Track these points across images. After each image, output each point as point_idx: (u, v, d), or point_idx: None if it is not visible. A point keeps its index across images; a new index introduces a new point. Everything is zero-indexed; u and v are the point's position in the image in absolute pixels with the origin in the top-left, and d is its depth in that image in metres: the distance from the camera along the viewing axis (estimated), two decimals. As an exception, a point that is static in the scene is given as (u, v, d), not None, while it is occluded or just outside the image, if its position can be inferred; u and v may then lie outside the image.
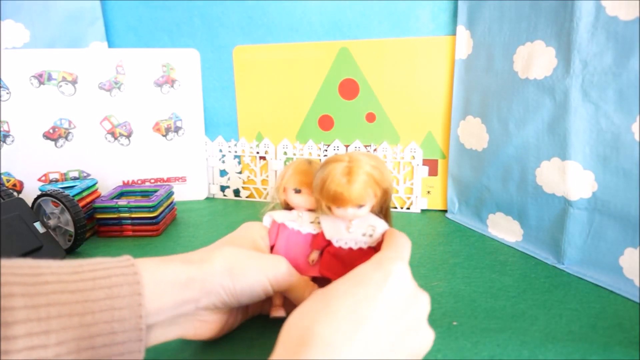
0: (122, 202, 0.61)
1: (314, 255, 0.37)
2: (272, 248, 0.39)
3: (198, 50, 0.76)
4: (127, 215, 0.61)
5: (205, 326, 0.34)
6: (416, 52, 0.68)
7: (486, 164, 0.60)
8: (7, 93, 0.67)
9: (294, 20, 0.72)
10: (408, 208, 0.71)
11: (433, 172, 0.71)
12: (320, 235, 0.36)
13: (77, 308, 0.26)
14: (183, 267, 0.31)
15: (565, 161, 0.48)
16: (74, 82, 0.71)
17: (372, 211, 0.35)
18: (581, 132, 0.47)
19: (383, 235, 0.34)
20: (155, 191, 0.67)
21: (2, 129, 0.67)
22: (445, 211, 0.70)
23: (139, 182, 0.75)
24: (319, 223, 0.37)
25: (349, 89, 0.72)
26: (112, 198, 0.63)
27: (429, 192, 0.71)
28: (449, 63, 0.66)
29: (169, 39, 0.77)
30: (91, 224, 0.61)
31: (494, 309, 0.41)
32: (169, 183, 0.77)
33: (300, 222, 0.38)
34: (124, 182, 0.75)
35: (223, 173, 0.80)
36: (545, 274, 0.48)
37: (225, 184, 0.80)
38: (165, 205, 0.65)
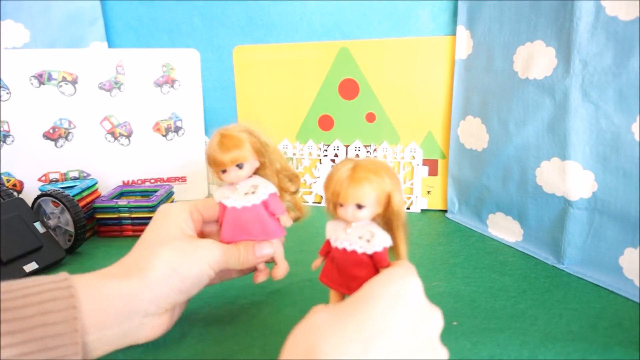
0: (122, 202, 0.61)
1: (317, 261, 0.37)
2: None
3: (198, 50, 0.76)
4: (127, 215, 0.61)
5: (155, 330, 0.33)
6: (416, 52, 0.68)
7: (486, 164, 0.60)
8: (7, 93, 0.67)
9: (294, 20, 0.72)
10: (408, 208, 0.71)
11: (433, 172, 0.71)
12: (327, 242, 0.36)
13: (12, 326, 0.26)
14: (125, 281, 0.31)
15: (565, 161, 0.48)
16: (74, 82, 0.71)
17: (379, 224, 0.34)
18: (581, 132, 0.47)
19: (383, 254, 0.32)
20: (155, 191, 0.67)
21: (2, 129, 0.67)
22: (445, 211, 0.70)
23: (139, 182, 0.75)
24: (253, 193, 0.37)
25: (349, 89, 0.72)
26: (112, 198, 0.63)
27: (429, 192, 0.71)
28: (449, 63, 0.66)
29: (169, 39, 0.77)
30: (91, 224, 0.61)
31: (494, 309, 0.41)
32: (169, 183, 0.77)
33: (235, 196, 0.37)
34: (124, 182, 0.75)
35: (223, 173, 0.80)
36: (545, 274, 0.48)
37: (225, 184, 0.80)
38: (165, 205, 0.65)
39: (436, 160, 0.71)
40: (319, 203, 0.75)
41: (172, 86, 0.75)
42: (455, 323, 0.39)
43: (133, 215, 0.61)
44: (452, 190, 0.68)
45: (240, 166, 0.36)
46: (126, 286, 0.30)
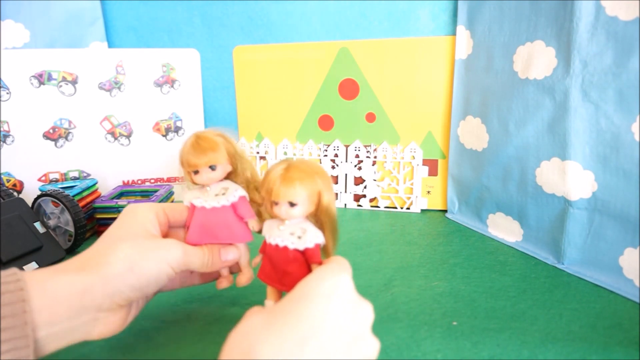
0: (122, 202, 0.61)
1: (257, 259, 0.37)
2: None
3: (198, 50, 0.76)
4: (127, 215, 0.61)
5: (109, 326, 0.33)
6: (416, 52, 0.68)
7: (486, 164, 0.60)
8: (7, 93, 0.67)
9: (294, 20, 0.72)
10: (408, 208, 0.71)
11: (433, 172, 0.71)
12: (264, 240, 0.36)
13: None
14: (78, 275, 0.30)
15: (565, 161, 0.48)
16: (74, 82, 0.71)
17: (313, 222, 0.35)
18: (581, 132, 0.47)
19: (319, 250, 0.33)
20: (155, 191, 0.67)
21: (2, 129, 0.67)
22: (445, 211, 0.70)
23: (139, 182, 0.75)
24: (223, 194, 0.37)
25: (349, 89, 0.72)
26: (112, 198, 0.63)
27: (429, 192, 0.71)
28: (449, 63, 0.66)
29: (169, 39, 0.77)
30: (91, 224, 0.61)
31: (494, 309, 0.41)
32: (169, 183, 0.77)
33: (206, 197, 0.37)
34: (124, 182, 0.75)
35: (223, 173, 0.80)
36: (545, 274, 0.48)
37: (225, 184, 0.80)
38: (165, 205, 0.65)
39: (436, 160, 0.71)
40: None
41: (172, 86, 0.75)
42: (455, 323, 0.39)
43: (133, 215, 0.61)
44: (452, 190, 0.68)
45: (212, 168, 0.36)
46: (79, 281, 0.30)
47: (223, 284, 0.40)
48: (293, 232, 0.33)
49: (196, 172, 0.37)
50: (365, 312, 0.29)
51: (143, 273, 0.33)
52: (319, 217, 0.33)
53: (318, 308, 0.27)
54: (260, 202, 0.38)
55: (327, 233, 0.34)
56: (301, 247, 0.33)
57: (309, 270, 0.34)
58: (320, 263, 0.33)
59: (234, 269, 0.40)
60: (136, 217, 0.36)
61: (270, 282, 0.35)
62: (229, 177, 0.39)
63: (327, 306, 0.27)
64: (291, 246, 0.33)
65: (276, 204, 0.33)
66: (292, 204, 0.32)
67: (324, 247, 0.34)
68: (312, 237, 0.33)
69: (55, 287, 0.29)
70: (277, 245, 0.34)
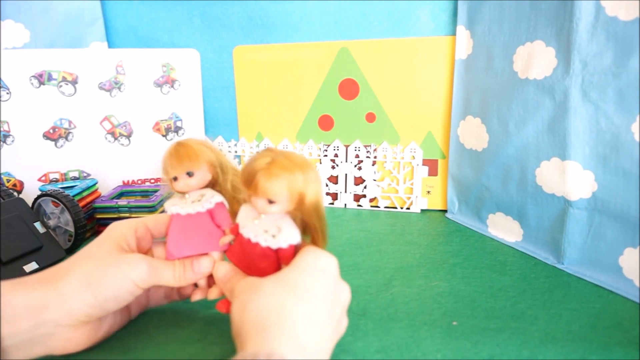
0: (122, 202, 0.61)
1: (226, 239, 0.36)
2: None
3: (198, 50, 0.76)
4: (127, 215, 0.61)
5: (71, 342, 0.33)
6: (416, 52, 0.68)
7: (486, 164, 0.60)
8: (7, 93, 0.67)
9: (294, 20, 0.72)
10: (408, 208, 0.71)
11: (433, 172, 0.71)
12: (232, 220, 0.36)
13: None
14: (37, 289, 0.31)
15: (565, 161, 0.48)
16: (74, 82, 0.70)
17: (296, 219, 0.33)
18: (581, 132, 0.47)
19: (293, 250, 0.33)
20: (155, 191, 0.67)
21: (2, 129, 0.67)
22: (445, 211, 0.70)
23: (139, 182, 0.75)
24: (199, 201, 0.36)
25: (349, 89, 0.72)
26: (112, 198, 0.63)
27: (429, 192, 0.71)
28: (449, 63, 0.66)
29: (169, 39, 0.77)
30: (91, 224, 0.61)
31: (494, 309, 0.41)
32: (169, 183, 0.77)
33: (182, 204, 0.37)
34: (124, 182, 0.75)
35: (223, 173, 0.80)
36: (545, 274, 0.48)
37: (225, 184, 0.80)
38: (165, 205, 0.65)
39: (436, 160, 0.71)
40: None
41: (172, 86, 0.75)
42: (455, 323, 0.39)
43: (133, 216, 0.61)
44: (452, 190, 0.68)
45: (190, 174, 0.36)
46: (36, 296, 0.31)
47: (197, 295, 0.38)
48: (267, 229, 0.32)
49: (175, 179, 0.36)
50: (345, 292, 0.33)
51: (101, 289, 0.32)
52: (304, 217, 0.33)
53: (313, 277, 0.30)
54: (237, 190, 0.38)
55: (313, 232, 0.33)
56: (274, 247, 0.32)
57: (279, 268, 0.33)
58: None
59: (212, 282, 0.38)
60: (110, 234, 0.36)
61: (239, 265, 0.35)
62: (212, 186, 0.38)
63: (320, 278, 0.31)
64: (263, 243, 0.32)
65: (255, 195, 0.32)
66: (270, 201, 0.31)
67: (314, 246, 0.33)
68: (287, 237, 0.32)
69: (15, 300, 0.30)
70: (249, 239, 0.33)
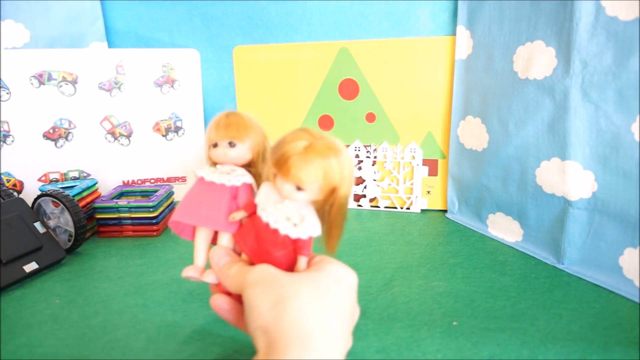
0: (122, 202, 0.61)
1: (238, 215, 0.33)
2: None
3: (198, 50, 0.76)
4: (127, 215, 0.61)
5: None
6: (416, 52, 0.68)
7: (486, 164, 0.60)
8: (7, 93, 0.67)
9: (294, 20, 0.72)
10: (408, 208, 0.71)
11: (433, 172, 0.71)
12: (254, 204, 0.33)
13: None
14: None
15: (565, 161, 0.48)
16: (74, 82, 0.70)
17: (318, 213, 0.31)
18: (581, 132, 0.47)
19: (311, 242, 0.31)
20: (155, 191, 0.67)
21: (2, 129, 0.67)
22: (445, 211, 0.70)
23: (139, 182, 0.75)
24: (228, 174, 0.34)
25: (349, 89, 0.72)
26: (112, 198, 0.63)
27: (429, 192, 0.71)
28: (449, 63, 0.66)
29: (169, 39, 0.77)
30: (91, 224, 0.61)
31: (494, 309, 0.41)
32: (169, 183, 0.77)
33: (210, 172, 0.35)
34: (124, 182, 0.75)
35: (223, 173, 0.80)
36: (545, 274, 0.48)
37: (225, 184, 0.80)
38: (165, 205, 0.65)
39: (436, 160, 0.71)
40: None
41: (172, 86, 0.75)
42: (455, 323, 0.39)
43: (133, 215, 0.61)
44: (452, 190, 0.68)
45: (232, 144, 0.34)
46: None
47: (189, 272, 0.35)
48: (290, 216, 0.30)
49: (215, 146, 0.34)
50: (357, 313, 0.33)
51: None
52: (328, 210, 0.30)
53: (344, 293, 0.30)
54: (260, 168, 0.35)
55: (333, 229, 0.31)
56: (293, 236, 0.30)
57: (295, 259, 0.31)
58: (309, 256, 0.31)
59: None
60: None
61: (245, 249, 0.32)
62: (248, 170, 0.36)
63: (347, 294, 0.30)
64: (283, 231, 0.30)
65: (283, 179, 0.29)
66: (299, 188, 0.29)
67: (326, 243, 0.32)
68: (309, 229, 0.29)
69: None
70: (267, 224, 0.30)
